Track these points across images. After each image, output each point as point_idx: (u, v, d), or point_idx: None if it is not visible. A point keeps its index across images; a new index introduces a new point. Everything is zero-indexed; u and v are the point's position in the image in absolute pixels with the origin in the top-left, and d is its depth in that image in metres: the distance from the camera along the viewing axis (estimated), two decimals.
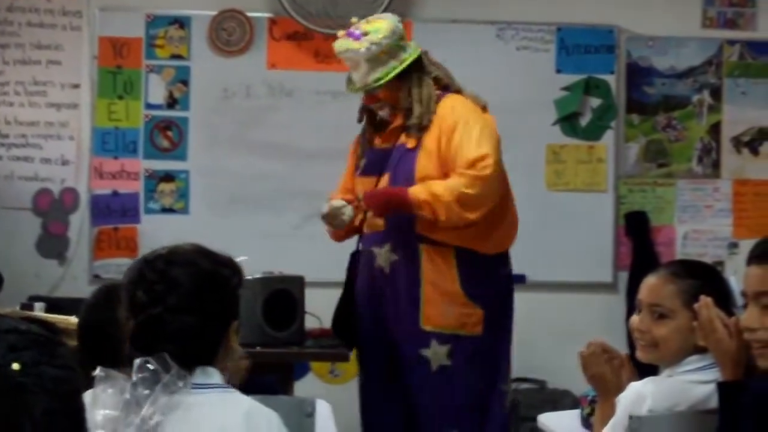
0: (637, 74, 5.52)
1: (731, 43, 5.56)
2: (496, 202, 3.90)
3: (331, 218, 4.06)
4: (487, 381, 3.99)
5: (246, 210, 5.32)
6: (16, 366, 1.30)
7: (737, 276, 4.76)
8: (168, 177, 5.33)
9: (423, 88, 4.01)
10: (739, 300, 2.51)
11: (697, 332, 2.46)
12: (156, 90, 5.34)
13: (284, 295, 4.02)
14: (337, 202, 4.08)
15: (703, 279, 2.69)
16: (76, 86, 5.34)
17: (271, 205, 5.33)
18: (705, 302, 2.43)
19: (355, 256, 4.14)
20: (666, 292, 2.66)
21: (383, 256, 4.00)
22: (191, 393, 2.08)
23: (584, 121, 5.47)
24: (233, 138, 5.34)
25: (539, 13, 5.42)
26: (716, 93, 5.56)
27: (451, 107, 3.98)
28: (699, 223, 5.57)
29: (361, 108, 4.13)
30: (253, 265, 3.68)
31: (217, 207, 5.32)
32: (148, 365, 2.05)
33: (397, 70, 3.97)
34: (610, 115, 5.48)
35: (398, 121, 4.01)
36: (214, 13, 5.32)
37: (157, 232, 5.04)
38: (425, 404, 3.96)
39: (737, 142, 5.58)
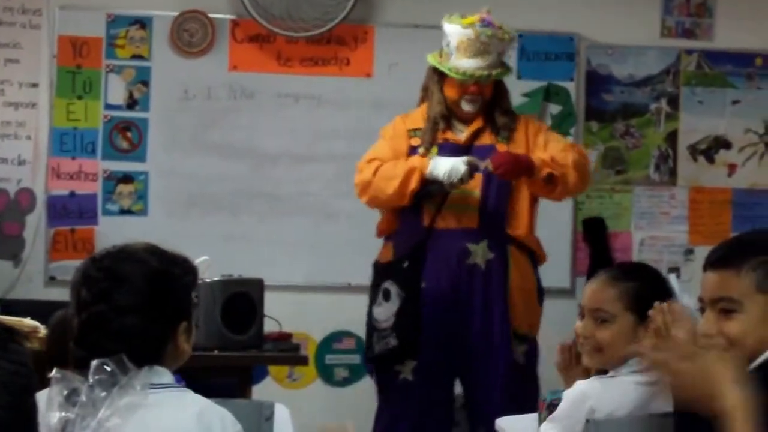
0: (597, 82, 5.56)
1: (689, 52, 5.61)
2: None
3: (456, 172, 4.02)
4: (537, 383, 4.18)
5: (205, 212, 5.30)
6: None
7: (680, 277, 4.81)
8: (127, 178, 5.29)
9: (509, 100, 4.27)
10: (692, 304, 2.53)
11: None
12: (116, 90, 5.30)
13: (243, 298, 4.00)
14: (471, 157, 4.07)
15: (642, 280, 2.73)
16: (35, 85, 5.30)
17: (230, 208, 5.31)
18: (659, 308, 2.47)
19: (406, 265, 4.10)
20: (606, 296, 2.70)
21: (481, 252, 4.08)
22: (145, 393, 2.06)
23: None
24: (193, 139, 5.32)
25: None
26: (674, 101, 5.61)
27: (527, 116, 4.37)
28: (655, 230, 5.61)
29: (426, 98, 4.19)
30: (213, 267, 3.70)
31: (176, 209, 5.29)
32: (105, 366, 2.03)
33: (511, 72, 4.29)
34: (570, 121, 5.51)
35: (479, 123, 4.16)
36: (175, 13, 5.30)
37: (115, 234, 4.99)
38: (500, 401, 4.03)
39: (693, 150, 5.64)
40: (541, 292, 4.28)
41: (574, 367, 2.92)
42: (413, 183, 4.06)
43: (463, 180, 4.00)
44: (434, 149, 4.13)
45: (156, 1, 5.31)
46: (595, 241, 5.50)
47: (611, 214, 5.57)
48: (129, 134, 5.31)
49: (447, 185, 4.02)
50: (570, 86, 5.51)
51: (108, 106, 5.30)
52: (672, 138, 5.62)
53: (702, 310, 2.20)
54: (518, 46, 5.46)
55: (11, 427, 1.32)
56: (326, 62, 5.38)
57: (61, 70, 5.28)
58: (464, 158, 4.04)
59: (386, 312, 4.09)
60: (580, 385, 2.68)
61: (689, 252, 5.60)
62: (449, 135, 4.17)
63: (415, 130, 4.19)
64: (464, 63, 4.06)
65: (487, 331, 4.08)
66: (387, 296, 4.12)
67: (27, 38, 5.29)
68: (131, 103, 5.31)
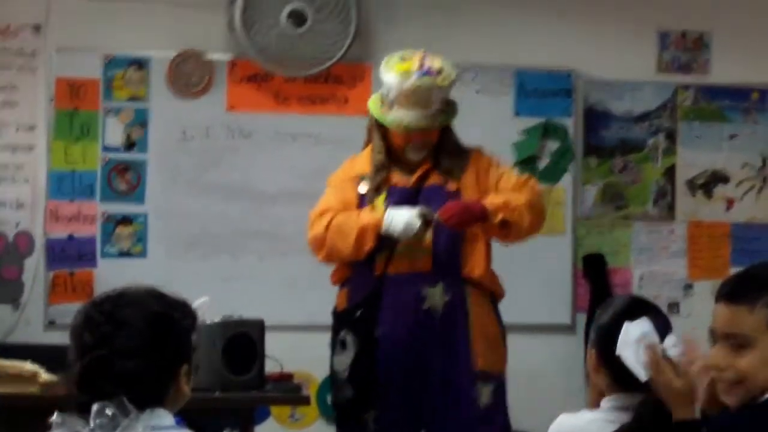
0: (594, 118, 5.57)
1: (685, 87, 5.63)
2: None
3: (411, 227, 3.94)
4: (508, 420, 4.16)
5: (205, 253, 5.29)
6: None
7: (680, 312, 4.76)
8: (125, 220, 5.29)
9: (456, 134, 4.15)
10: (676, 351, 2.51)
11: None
12: (114, 132, 5.30)
13: (244, 339, 3.99)
14: (424, 209, 3.97)
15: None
16: (32, 128, 5.30)
17: (230, 248, 5.30)
18: (651, 345, 2.46)
19: (359, 314, 4.05)
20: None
21: (437, 296, 4.01)
22: None
23: (542, 164, 5.51)
24: (192, 180, 5.32)
25: (498, 57, 5.47)
26: (671, 136, 5.63)
27: (479, 152, 4.17)
28: (655, 265, 5.61)
29: (371, 139, 4.13)
30: (213, 308, 3.68)
31: (175, 250, 5.29)
32: (106, 410, 2.03)
33: (457, 112, 4.11)
34: (568, 158, 5.52)
35: (426, 164, 4.07)
36: (173, 54, 5.31)
37: (114, 276, 4.98)
38: None
39: (692, 185, 5.65)
40: (503, 330, 4.18)
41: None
42: (369, 242, 3.98)
43: (418, 235, 3.94)
44: (381, 196, 4.05)
45: (153, 42, 5.33)
46: (595, 277, 5.51)
47: (610, 250, 5.57)
48: (127, 176, 5.31)
49: (403, 239, 3.97)
50: (568, 122, 5.52)
51: (106, 148, 5.30)
52: (670, 173, 5.63)
53: (713, 340, 2.20)
54: (515, 82, 5.49)
55: None
56: (324, 101, 5.39)
57: (59, 112, 5.28)
58: (417, 211, 3.94)
59: (343, 362, 4.05)
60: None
61: (688, 287, 5.60)
62: (397, 178, 4.09)
63: (362, 176, 4.12)
64: (405, 115, 3.96)
65: (449, 376, 4.00)
66: (343, 345, 4.07)
67: (24, 81, 5.29)
68: (129, 145, 5.32)
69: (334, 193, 4.16)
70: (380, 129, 4.10)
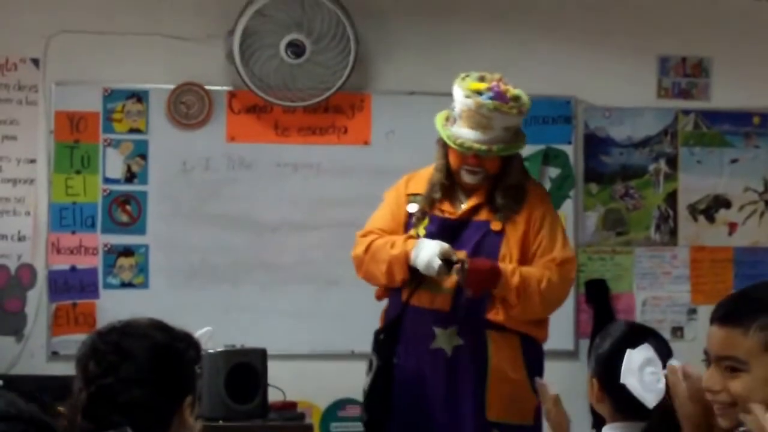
0: (595, 144, 5.58)
1: (686, 112, 5.65)
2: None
3: (431, 267, 3.81)
4: None
5: (207, 283, 5.29)
6: None
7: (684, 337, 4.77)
8: (127, 251, 5.29)
9: (523, 173, 4.02)
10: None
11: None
12: (114, 164, 5.31)
13: (246, 368, 4.01)
14: (447, 250, 3.82)
15: None
16: (33, 161, 5.31)
17: (232, 278, 5.30)
18: (671, 367, 2.42)
19: (385, 332, 3.98)
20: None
21: (446, 338, 3.88)
22: None
23: None
24: (193, 211, 5.32)
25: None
26: (672, 162, 5.63)
27: (541, 197, 4.02)
28: (657, 290, 5.61)
29: (436, 159, 3.99)
30: (215, 338, 3.68)
31: (177, 281, 5.28)
32: None
33: (521, 148, 3.96)
34: (569, 184, 5.53)
35: (480, 197, 3.94)
36: (172, 86, 5.33)
37: (117, 308, 4.98)
38: None
39: (693, 210, 5.65)
40: (538, 370, 3.95)
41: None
42: (399, 273, 3.91)
43: (440, 274, 3.82)
44: (424, 222, 3.96)
45: (152, 75, 5.34)
46: (597, 302, 5.51)
47: (613, 276, 5.57)
48: (128, 207, 5.31)
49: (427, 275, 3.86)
50: (568, 149, 5.53)
51: (107, 180, 5.31)
52: (672, 198, 5.63)
53: (707, 361, 2.17)
54: None
55: None
56: (324, 131, 5.40)
57: (59, 145, 5.30)
58: (438, 250, 3.81)
59: (367, 383, 4.00)
60: None
61: (692, 311, 5.60)
62: (446, 207, 3.99)
63: (415, 195, 4.03)
64: (464, 133, 3.85)
65: (455, 424, 3.87)
66: (370, 367, 4.01)
67: (24, 114, 5.31)
68: (130, 177, 5.32)
69: (386, 209, 4.10)
70: (443, 148, 3.99)
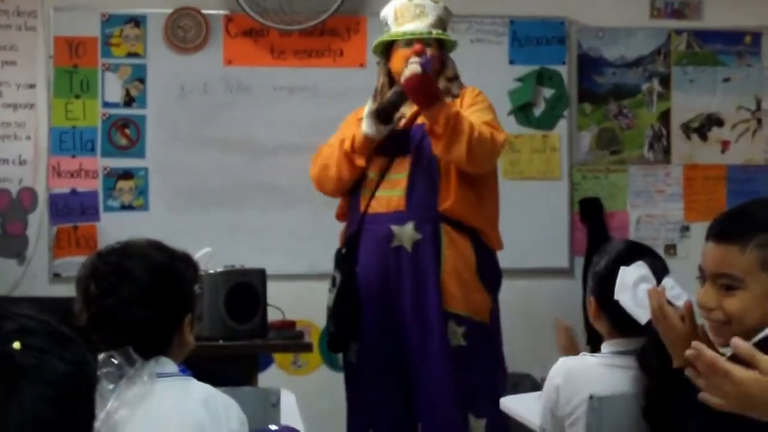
0: (588, 64, 5.60)
1: (678, 32, 5.65)
2: (488, 169, 4.04)
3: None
4: (494, 368, 4.08)
5: (205, 205, 5.34)
6: (16, 345, 1.29)
7: (677, 254, 4.76)
8: (126, 174, 5.34)
9: (457, 75, 4.15)
10: (680, 296, 2.49)
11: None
12: (113, 88, 5.34)
13: (246, 288, 4.01)
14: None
15: None
16: (32, 86, 5.33)
17: (230, 200, 5.35)
18: (654, 290, 2.43)
19: (344, 251, 4.10)
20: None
21: (406, 235, 4.00)
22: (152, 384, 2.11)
23: (538, 111, 5.54)
24: (191, 134, 5.36)
25: (492, 7, 5.49)
26: (665, 81, 5.65)
27: (471, 90, 4.13)
28: (651, 208, 5.65)
29: (384, 81, 4.14)
30: (215, 259, 3.74)
31: (176, 203, 5.33)
32: (112, 359, 2.08)
33: (455, 44, 4.16)
34: (563, 104, 5.56)
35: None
36: (169, 11, 5.33)
37: (117, 230, 5.02)
38: (440, 385, 3.96)
39: (686, 129, 5.68)
40: (490, 274, 4.09)
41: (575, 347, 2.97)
42: (347, 142, 4.05)
43: (390, 103, 3.97)
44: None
45: (149, 0, 5.35)
46: (592, 221, 5.53)
47: (607, 194, 5.61)
48: (127, 131, 5.35)
49: (380, 106, 3.99)
50: (562, 70, 5.55)
51: (106, 104, 5.34)
52: (665, 117, 5.66)
53: (702, 279, 2.14)
54: (510, 31, 5.51)
55: (59, 429, 1.30)
56: (320, 54, 5.42)
57: (58, 70, 5.32)
58: (371, 101, 4.06)
59: (331, 298, 4.11)
60: (559, 363, 2.75)
61: (685, 229, 5.64)
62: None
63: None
64: (404, 28, 4.07)
65: (420, 314, 3.98)
66: (333, 283, 4.12)
67: (23, 40, 5.32)
68: (128, 101, 5.35)
69: (335, 135, 4.22)
70: (384, 66, 4.16)
